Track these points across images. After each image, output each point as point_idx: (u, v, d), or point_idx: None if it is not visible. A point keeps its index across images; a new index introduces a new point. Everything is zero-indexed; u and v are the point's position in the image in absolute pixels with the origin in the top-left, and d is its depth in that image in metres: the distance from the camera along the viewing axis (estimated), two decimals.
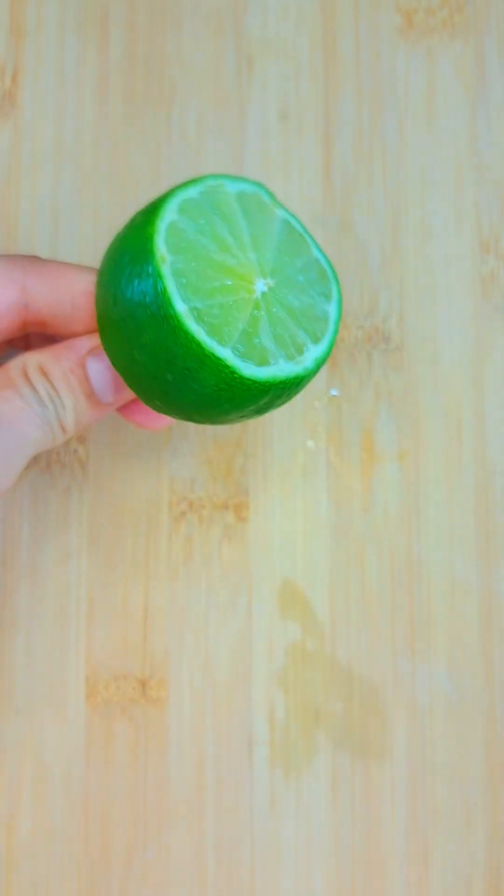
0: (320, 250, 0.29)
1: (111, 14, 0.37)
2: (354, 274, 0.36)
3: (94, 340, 0.29)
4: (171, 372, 0.26)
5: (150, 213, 0.27)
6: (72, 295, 0.29)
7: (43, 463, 0.35)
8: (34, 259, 0.29)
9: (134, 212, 0.37)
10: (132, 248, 0.27)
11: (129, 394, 0.29)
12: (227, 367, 0.26)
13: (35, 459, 0.35)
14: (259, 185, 0.29)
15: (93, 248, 0.36)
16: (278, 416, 0.35)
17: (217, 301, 0.26)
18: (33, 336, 0.31)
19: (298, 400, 0.35)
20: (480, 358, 0.36)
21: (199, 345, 0.25)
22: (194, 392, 0.26)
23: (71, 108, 0.37)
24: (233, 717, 0.34)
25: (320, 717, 0.34)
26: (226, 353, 0.26)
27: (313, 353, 0.28)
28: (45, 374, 0.28)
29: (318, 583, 0.35)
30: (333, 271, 0.29)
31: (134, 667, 0.34)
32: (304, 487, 0.35)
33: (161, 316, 0.26)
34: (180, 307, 0.25)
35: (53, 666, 0.34)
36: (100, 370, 0.28)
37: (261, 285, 0.27)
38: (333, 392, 0.36)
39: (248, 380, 0.26)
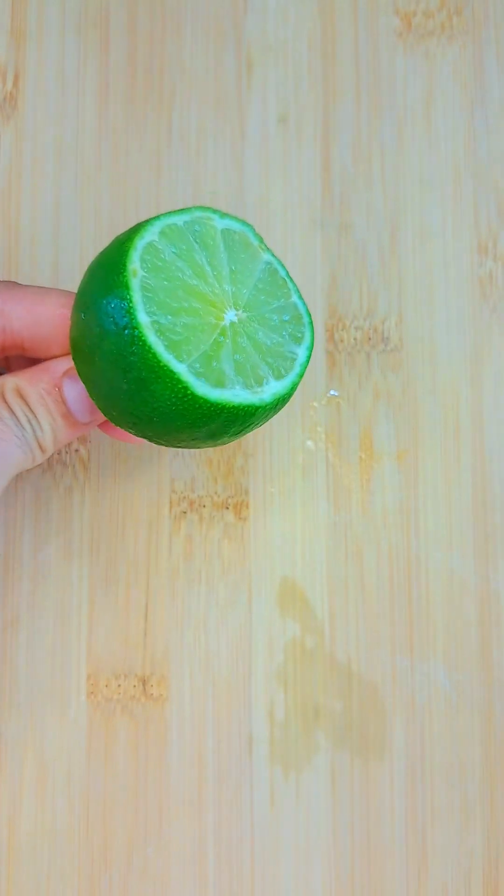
0: (300, 297, 0.30)
1: (112, 18, 0.37)
2: (353, 275, 0.36)
3: (70, 362, 0.29)
4: (128, 381, 0.26)
5: (131, 231, 0.28)
6: (49, 318, 0.29)
7: (45, 463, 0.35)
8: (11, 284, 0.30)
9: (134, 215, 0.37)
10: (107, 261, 0.27)
11: None
12: (181, 382, 0.26)
13: None
14: (248, 225, 0.29)
15: (93, 249, 0.36)
16: (278, 417, 0.35)
17: (182, 320, 0.27)
18: (12, 359, 0.32)
19: (297, 400, 0.36)
20: (478, 358, 0.36)
21: (155, 356, 0.26)
22: (148, 405, 0.27)
23: (72, 111, 0.37)
24: (233, 714, 0.34)
25: (320, 714, 0.34)
26: (180, 368, 0.26)
27: (273, 387, 0.28)
28: (21, 396, 0.29)
29: (317, 581, 0.35)
30: (310, 318, 0.30)
31: (135, 664, 0.34)
32: (304, 487, 0.35)
33: (123, 324, 0.26)
34: (142, 318, 0.26)
35: (55, 664, 0.34)
36: (75, 390, 0.29)
37: (231, 315, 0.28)
38: (332, 392, 0.36)
39: (201, 398, 0.26)
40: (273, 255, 0.30)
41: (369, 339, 0.36)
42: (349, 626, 0.35)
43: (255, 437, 0.36)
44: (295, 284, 0.30)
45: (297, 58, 0.37)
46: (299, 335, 0.29)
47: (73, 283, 0.36)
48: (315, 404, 0.36)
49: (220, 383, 0.27)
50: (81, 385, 0.29)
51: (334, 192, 0.36)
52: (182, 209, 0.28)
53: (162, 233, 0.27)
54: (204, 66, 0.37)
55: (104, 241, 0.36)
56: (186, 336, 0.27)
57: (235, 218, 0.29)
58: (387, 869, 0.34)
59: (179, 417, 0.27)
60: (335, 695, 0.34)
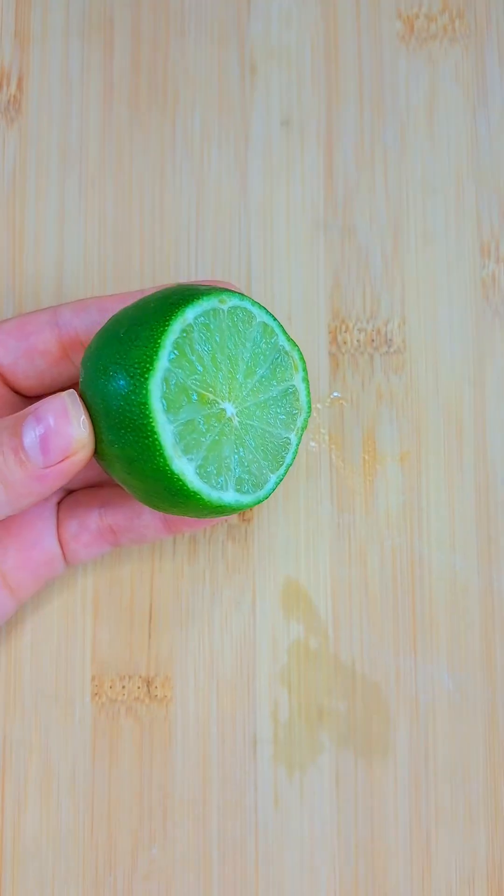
0: (305, 373, 0.30)
1: (116, 21, 0.37)
2: (356, 278, 0.36)
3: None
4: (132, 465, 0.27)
5: (167, 314, 0.27)
6: (39, 343, 0.31)
7: None
8: None
9: (138, 218, 0.37)
10: (135, 339, 0.27)
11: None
12: (186, 486, 0.27)
13: None
14: (254, 304, 0.29)
15: (97, 254, 0.36)
16: None
17: (188, 416, 0.27)
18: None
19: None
20: (481, 360, 0.36)
21: (167, 464, 0.27)
22: (146, 488, 0.28)
23: (76, 115, 0.37)
24: (237, 715, 0.34)
25: (324, 715, 0.34)
26: (187, 472, 0.27)
27: (271, 482, 0.29)
28: None
29: (320, 582, 0.35)
30: (308, 395, 0.30)
31: (139, 666, 0.35)
32: (307, 488, 0.35)
33: (139, 426, 0.27)
34: (162, 426, 0.26)
35: (59, 665, 0.35)
36: (35, 433, 0.27)
37: (231, 409, 0.28)
38: (335, 394, 0.36)
39: (205, 500, 0.28)
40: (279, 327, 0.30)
41: (372, 341, 0.36)
42: (353, 627, 0.35)
43: None
44: (300, 354, 0.30)
45: (301, 61, 0.37)
46: (293, 417, 0.30)
47: (76, 285, 0.36)
48: (318, 406, 0.36)
49: (221, 486, 0.28)
50: (49, 425, 0.27)
51: (337, 194, 0.37)
52: (210, 290, 0.28)
53: (197, 321, 0.27)
54: (207, 69, 0.37)
55: (108, 245, 0.36)
56: (191, 431, 0.27)
57: (237, 296, 0.29)
58: (390, 869, 0.34)
59: (177, 507, 0.28)
60: (339, 696, 0.34)
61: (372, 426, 0.36)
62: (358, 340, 0.36)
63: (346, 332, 0.36)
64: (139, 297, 0.30)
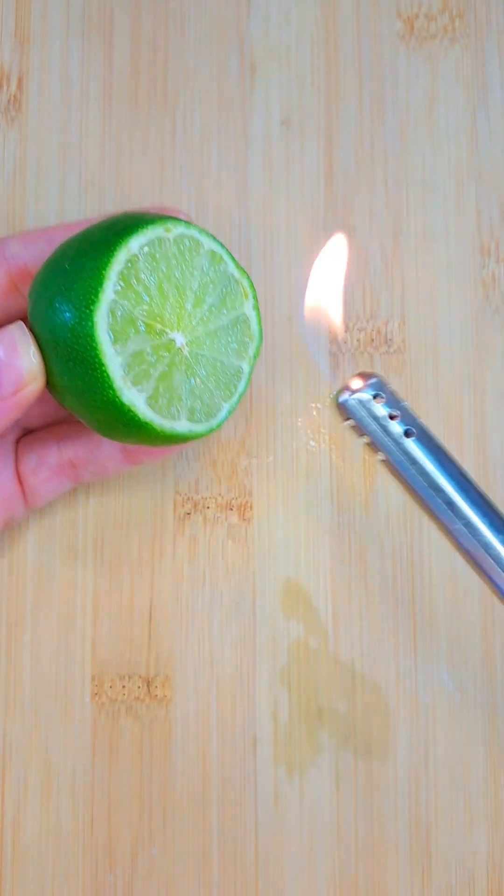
0: (256, 303, 0.30)
1: (116, 21, 0.37)
2: (356, 277, 0.36)
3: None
4: (81, 393, 0.28)
5: (111, 241, 0.27)
6: None
7: None
8: None
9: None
10: (81, 265, 0.27)
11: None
12: (135, 415, 0.27)
13: None
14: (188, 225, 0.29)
15: None
16: (281, 418, 0.36)
17: (137, 346, 0.27)
18: None
19: (300, 402, 0.36)
20: (481, 360, 0.36)
21: (112, 387, 0.27)
22: (97, 414, 0.28)
23: (76, 114, 0.37)
24: (237, 715, 0.34)
25: (323, 715, 0.34)
26: (138, 402, 0.27)
27: (223, 412, 0.30)
28: None
29: (320, 583, 0.35)
30: (259, 325, 0.30)
31: (139, 666, 0.35)
32: (307, 488, 0.35)
33: (84, 352, 0.27)
34: (106, 349, 0.27)
35: (59, 665, 0.35)
36: None
37: (181, 339, 0.28)
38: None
39: (157, 430, 0.28)
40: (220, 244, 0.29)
41: (372, 340, 0.36)
42: (353, 627, 0.35)
43: (258, 439, 0.36)
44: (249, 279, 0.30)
45: (300, 61, 0.37)
46: (246, 346, 0.30)
47: None
48: (318, 406, 0.36)
49: (173, 415, 0.28)
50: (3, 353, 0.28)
51: (337, 194, 0.37)
52: (155, 219, 0.28)
53: (142, 250, 0.27)
54: (207, 69, 0.37)
55: None
56: (140, 362, 0.27)
57: (172, 221, 0.29)
58: (390, 869, 0.34)
59: (130, 437, 0.28)
60: (339, 696, 0.34)
61: None
62: (358, 340, 0.36)
63: (345, 331, 0.36)
64: (86, 225, 0.30)
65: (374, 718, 0.34)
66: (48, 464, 0.32)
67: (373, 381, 0.24)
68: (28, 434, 0.33)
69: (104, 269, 0.26)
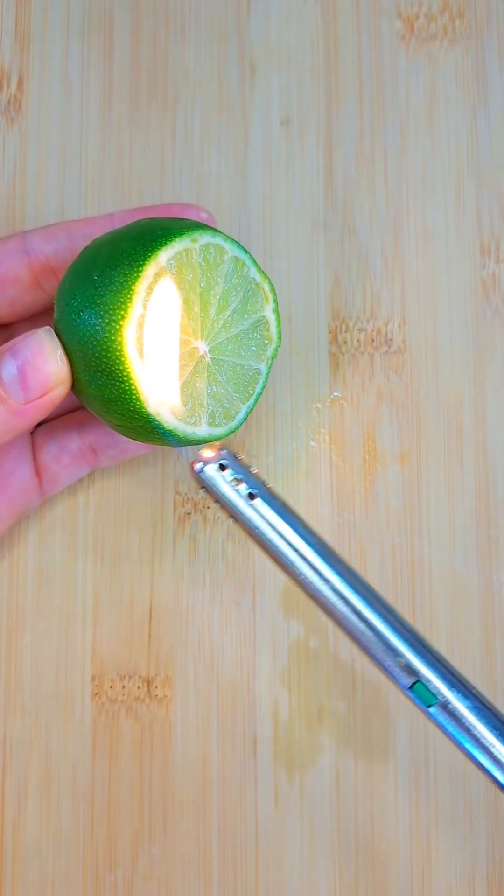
0: (276, 305, 0.30)
1: (116, 21, 0.37)
2: (356, 277, 0.36)
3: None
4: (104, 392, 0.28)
5: (144, 250, 0.27)
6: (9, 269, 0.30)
7: None
8: None
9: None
10: (110, 278, 0.27)
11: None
12: (159, 424, 0.28)
13: None
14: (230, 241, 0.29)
15: None
16: (281, 418, 0.36)
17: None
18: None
19: (301, 402, 0.36)
20: (481, 360, 0.36)
21: (136, 395, 0.27)
22: (120, 417, 0.28)
23: (76, 114, 0.37)
24: (237, 715, 0.34)
25: (324, 715, 0.34)
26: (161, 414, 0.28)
27: (242, 413, 0.30)
28: None
29: None
30: (279, 328, 0.31)
31: (139, 666, 0.35)
32: (307, 488, 0.35)
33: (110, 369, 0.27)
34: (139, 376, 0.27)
35: (59, 665, 0.35)
36: (13, 366, 0.28)
37: (204, 346, 0.29)
38: (335, 394, 0.36)
39: (179, 436, 0.29)
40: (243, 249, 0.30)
41: (372, 340, 0.36)
42: None
43: (258, 439, 0.36)
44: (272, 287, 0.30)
45: (300, 61, 0.37)
46: (264, 348, 0.30)
47: None
48: (318, 406, 0.36)
49: (195, 421, 0.28)
50: (28, 361, 0.28)
51: (337, 194, 0.37)
52: (183, 229, 0.28)
53: (170, 263, 0.27)
54: (207, 69, 0.37)
55: None
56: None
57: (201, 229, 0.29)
58: (391, 871, 0.34)
59: (153, 440, 0.29)
60: (339, 696, 0.34)
61: (372, 426, 0.36)
62: (358, 340, 0.36)
63: (346, 331, 0.36)
64: (107, 222, 0.31)
65: (375, 718, 0.34)
66: (69, 450, 0.33)
67: (222, 451, 0.27)
68: (45, 423, 0.34)
69: (133, 283, 0.27)
